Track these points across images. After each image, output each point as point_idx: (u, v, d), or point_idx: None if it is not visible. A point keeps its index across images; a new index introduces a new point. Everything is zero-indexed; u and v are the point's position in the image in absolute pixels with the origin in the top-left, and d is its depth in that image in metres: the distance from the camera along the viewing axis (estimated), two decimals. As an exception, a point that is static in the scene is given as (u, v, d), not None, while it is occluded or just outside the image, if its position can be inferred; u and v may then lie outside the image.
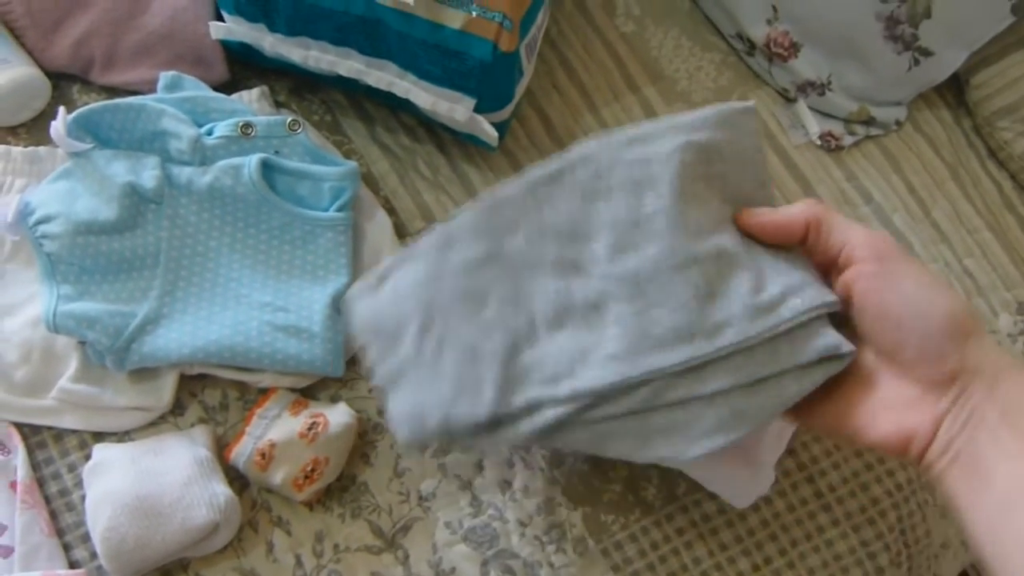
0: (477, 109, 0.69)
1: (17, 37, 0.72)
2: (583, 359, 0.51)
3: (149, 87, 0.71)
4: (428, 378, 0.54)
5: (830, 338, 0.50)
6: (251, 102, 0.72)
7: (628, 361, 0.50)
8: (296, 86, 0.76)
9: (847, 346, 0.50)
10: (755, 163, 0.55)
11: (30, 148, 0.70)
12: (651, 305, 0.51)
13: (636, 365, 0.50)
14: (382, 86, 0.69)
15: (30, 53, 0.72)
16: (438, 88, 0.68)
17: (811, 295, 0.50)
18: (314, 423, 0.63)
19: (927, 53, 0.77)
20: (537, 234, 0.54)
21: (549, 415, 0.51)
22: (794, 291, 0.50)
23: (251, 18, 0.68)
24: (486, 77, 0.66)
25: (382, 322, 0.57)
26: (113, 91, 0.74)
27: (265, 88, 0.73)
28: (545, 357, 0.52)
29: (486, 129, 0.69)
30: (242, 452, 0.64)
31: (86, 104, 0.74)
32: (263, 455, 0.63)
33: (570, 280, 0.53)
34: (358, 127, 0.76)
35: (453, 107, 0.68)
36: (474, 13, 0.64)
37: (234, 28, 0.69)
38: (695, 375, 0.50)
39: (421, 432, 0.55)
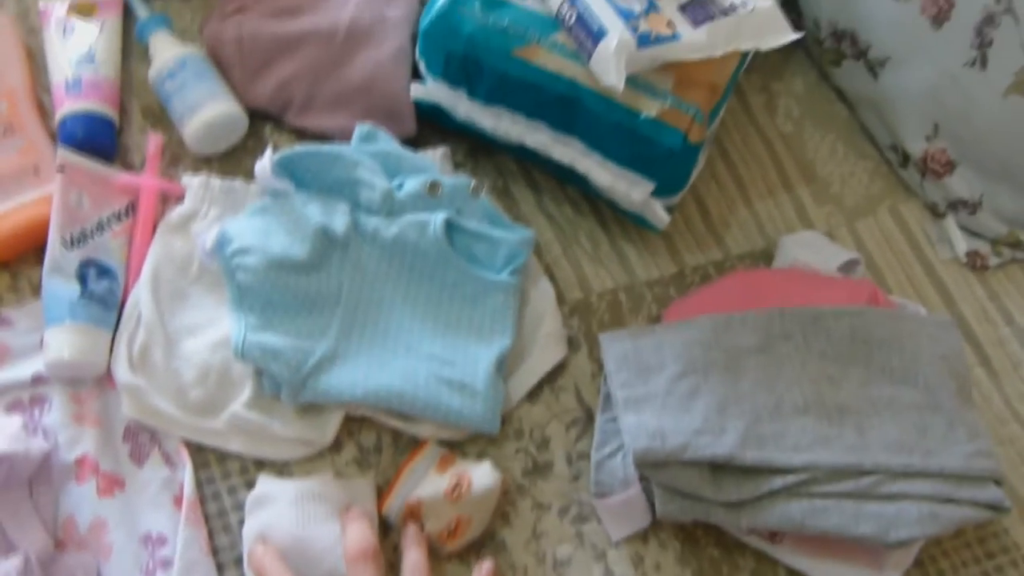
0: (662, 182, 0.71)
1: (224, 73, 0.77)
2: (824, 443, 0.66)
3: (340, 134, 0.75)
4: (675, 412, 0.66)
5: (997, 494, 0.66)
6: (435, 160, 0.76)
7: (863, 453, 0.65)
8: (472, 149, 0.80)
9: (1007, 503, 0.66)
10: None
11: (227, 180, 0.73)
12: (886, 422, 0.67)
13: (869, 457, 0.65)
14: (565, 160, 0.72)
15: (234, 89, 0.77)
16: (619, 169, 0.71)
17: (995, 463, 0.67)
18: (459, 483, 0.65)
19: (1084, 186, 0.79)
20: (805, 348, 0.70)
21: (788, 480, 0.64)
22: (989, 455, 0.67)
23: (454, 83, 0.71)
24: (670, 165, 0.69)
25: (641, 358, 0.69)
26: (303, 134, 0.78)
27: (448, 149, 0.77)
28: (787, 432, 0.66)
29: (659, 213, 0.72)
30: (392, 506, 0.66)
31: (278, 143, 0.78)
32: (412, 511, 0.65)
33: (823, 387, 0.68)
34: (527, 195, 0.79)
35: (631, 188, 0.71)
36: (669, 103, 0.67)
37: (433, 90, 0.73)
38: (908, 479, 0.65)
39: (660, 448, 0.64)
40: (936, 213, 0.86)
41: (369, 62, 0.75)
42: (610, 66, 0.63)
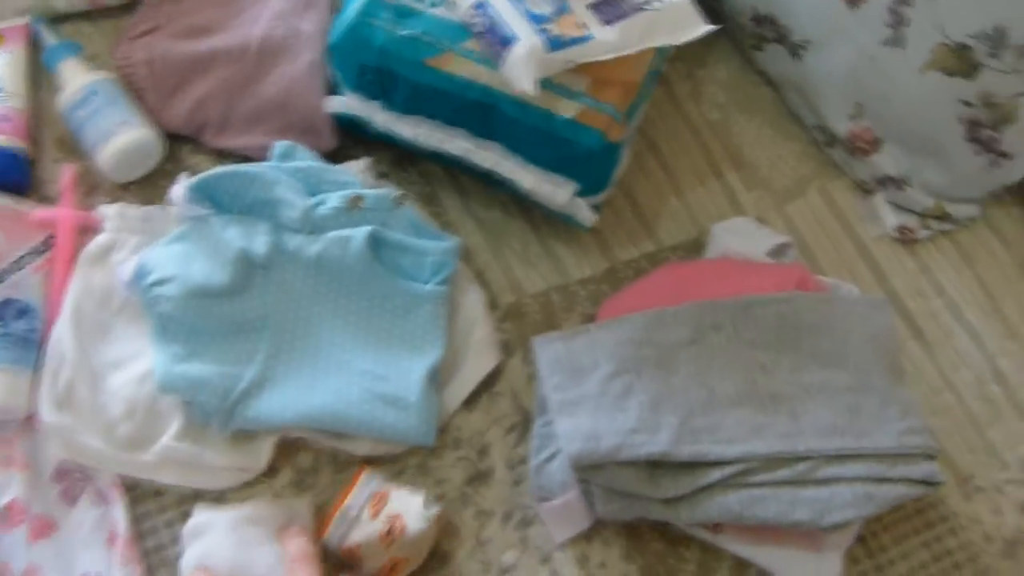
0: (585, 182, 0.71)
1: (138, 97, 0.75)
2: (758, 432, 0.66)
3: (258, 152, 0.74)
4: (609, 412, 0.66)
5: (930, 469, 0.67)
6: (357, 173, 0.75)
7: (797, 439, 0.66)
8: (397, 157, 0.79)
9: (941, 477, 0.67)
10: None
11: (144, 208, 0.72)
12: (819, 406, 0.68)
13: (803, 443, 0.66)
14: (487, 165, 0.72)
15: (148, 113, 0.75)
16: (541, 171, 0.70)
17: (930, 439, 0.68)
18: (391, 528, 0.65)
19: (1006, 155, 0.80)
20: (736, 338, 0.69)
21: (725, 472, 0.65)
22: (921, 431, 0.68)
23: (369, 95, 0.70)
24: (591, 165, 0.69)
25: (573, 360, 0.68)
26: (222, 154, 0.77)
27: (370, 160, 0.76)
28: (721, 424, 0.66)
29: (585, 213, 0.72)
30: (330, 542, 0.65)
31: (196, 164, 0.77)
32: (349, 554, 0.65)
33: (755, 375, 0.69)
34: (454, 200, 0.79)
35: (555, 190, 0.71)
36: (587, 104, 0.67)
37: (349, 103, 0.72)
38: (841, 462, 0.66)
39: (594, 450, 0.64)
40: (865, 190, 0.86)
41: (283, 78, 0.74)
42: (521, 72, 0.63)
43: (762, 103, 0.88)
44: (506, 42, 0.63)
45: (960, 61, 0.75)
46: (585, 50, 0.64)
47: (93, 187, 0.75)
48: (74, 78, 0.75)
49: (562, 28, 0.64)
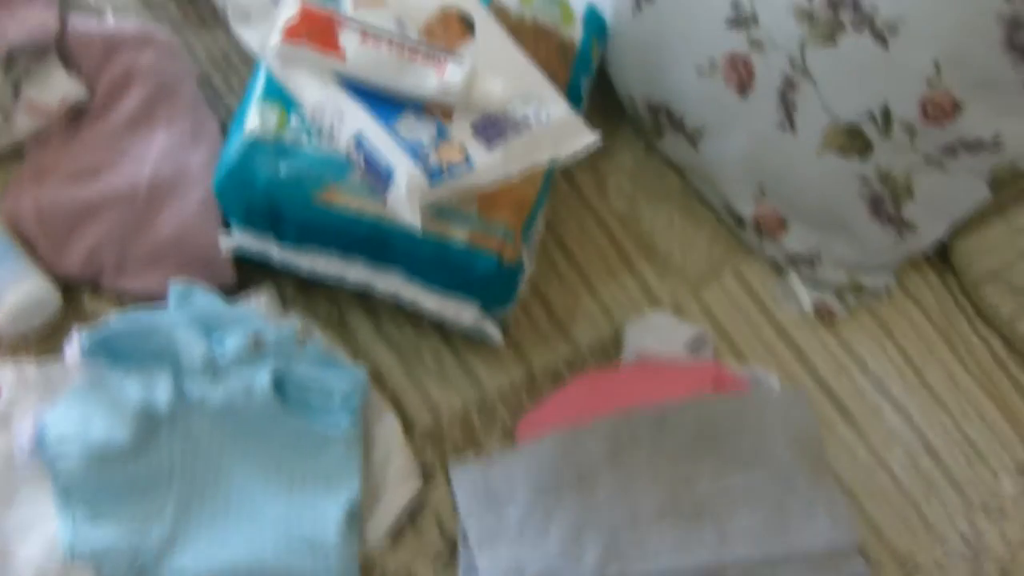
0: (486, 303, 0.70)
1: (30, 247, 0.74)
2: (684, 546, 0.66)
3: (159, 293, 0.72)
4: (531, 540, 0.65)
5: (859, 568, 0.68)
6: (260, 306, 0.73)
7: (723, 549, 0.66)
8: (302, 283, 0.77)
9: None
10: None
11: (42, 366, 0.70)
12: (744, 512, 0.67)
13: (730, 553, 0.66)
14: (389, 291, 0.71)
15: (42, 262, 0.73)
16: (444, 294, 0.69)
17: (854, 535, 0.69)
18: None
19: (912, 227, 0.80)
20: (654, 450, 0.69)
21: None
22: (848, 528, 0.68)
23: (259, 231, 0.69)
24: (490, 286, 0.68)
25: (491, 490, 0.67)
26: (123, 297, 0.75)
27: (273, 290, 0.75)
28: (646, 541, 0.66)
29: (491, 332, 0.71)
30: None
31: (96, 310, 0.75)
32: None
33: (677, 487, 0.68)
34: (364, 322, 0.78)
35: (459, 312, 0.70)
36: (478, 228, 0.66)
37: (242, 240, 0.70)
38: (772, 568, 0.66)
39: None
40: (779, 269, 0.86)
41: (176, 216, 0.73)
42: (404, 208, 0.62)
43: (669, 189, 0.88)
44: (386, 178, 0.62)
45: (852, 140, 0.76)
46: (468, 178, 0.64)
47: (-10, 344, 0.73)
48: (-38, 235, 0.73)
49: (442, 155, 0.63)
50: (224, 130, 0.76)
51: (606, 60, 0.84)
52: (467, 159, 0.64)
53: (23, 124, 0.75)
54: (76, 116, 0.77)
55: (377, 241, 0.67)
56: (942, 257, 0.88)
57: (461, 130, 0.65)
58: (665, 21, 0.79)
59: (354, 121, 0.64)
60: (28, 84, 0.75)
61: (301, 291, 0.78)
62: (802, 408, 0.73)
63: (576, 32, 0.76)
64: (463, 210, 0.66)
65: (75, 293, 0.75)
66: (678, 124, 0.83)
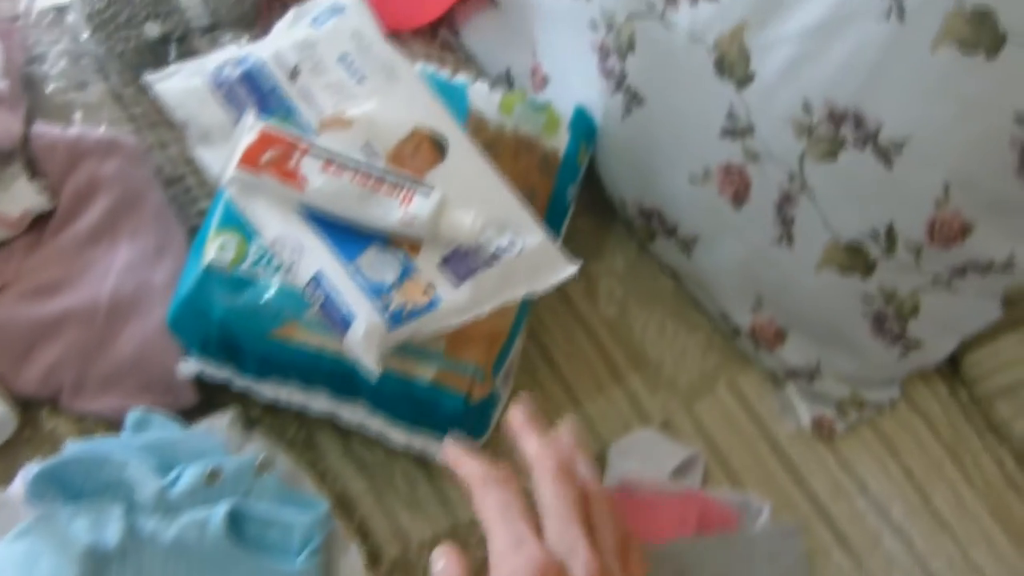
0: (454, 441, 0.67)
1: (-15, 367, 0.71)
2: None
3: (117, 415, 0.69)
4: None
5: None
6: (221, 430, 0.70)
7: None
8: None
9: None
10: None
11: (-5, 494, 0.68)
12: None
13: None
14: (355, 422, 0.67)
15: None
16: (411, 428, 0.66)
17: None
18: None
19: (918, 344, 0.75)
20: None
21: None
22: None
23: (218, 362, 0.66)
24: (459, 424, 0.64)
25: None
26: (83, 415, 0.72)
27: (235, 413, 0.71)
28: None
29: (462, 466, 0.67)
30: None
31: (54, 428, 0.73)
32: None
33: None
34: (333, 442, 0.74)
35: (426, 446, 0.66)
36: (445, 367, 0.62)
37: (203, 367, 0.67)
38: None
39: None
40: (776, 380, 0.81)
41: (136, 337, 0.70)
42: (361, 354, 0.58)
43: (662, 291, 0.84)
44: (344, 323, 0.59)
45: (853, 259, 0.71)
46: (433, 319, 0.60)
47: (-57, 467, 0.70)
48: (-83, 352, 0.70)
49: (406, 296, 0.60)
50: (192, 237, 0.73)
51: (596, 160, 0.80)
52: (433, 300, 0.60)
53: (-18, 235, 0.73)
54: (38, 223, 0.74)
55: (340, 376, 0.63)
56: (952, 365, 0.83)
57: (428, 265, 0.61)
58: (656, 125, 0.74)
59: (313, 258, 0.60)
60: (-11, 192, 0.72)
61: (268, 410, 0.74)
62: (793, 548, 0.68)
63: (561, 141, 0.72)
64: (430, 348, 0.62)
65: (34, 411, 0.73)
66: (671, 230, 0.79)
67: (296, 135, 0.63)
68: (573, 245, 0.81)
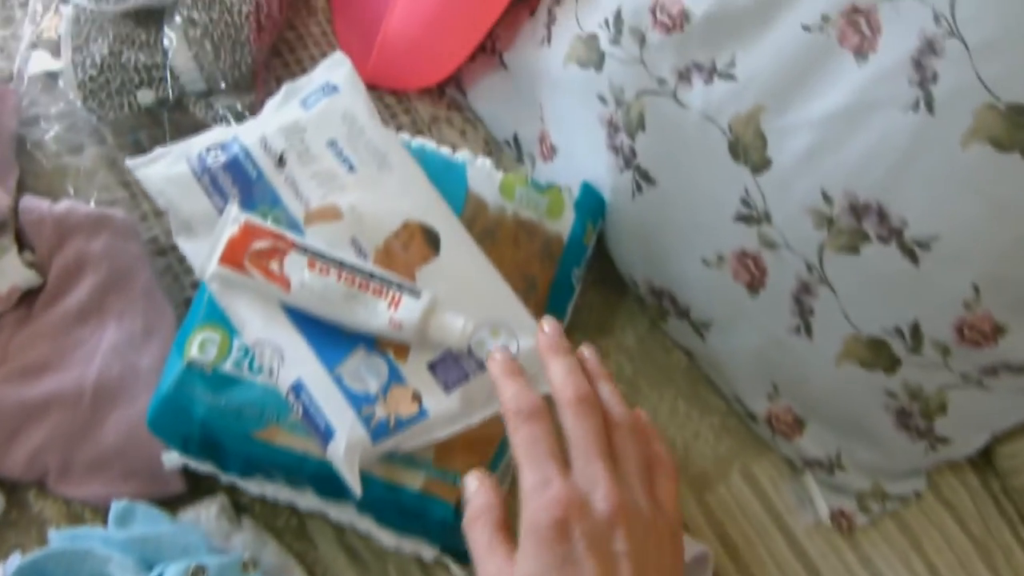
0: (446, 545, 0.63)
1: (-30, 451, 0.69)
2: None
3: (104, 502, 0.67)
4: None
5: None
6: (208, 520, 0.68)
7: None
8: (260, 487, 0.72)
9: None
10: None
11: (-25, 587, 0.66)
12: None
13: None
14: (343, 521, 0.64)
15: (-17, 466, 0.69)
16: (400, 532, 0.63)
17: None
18: None
19: (945, 441, 0.71)
20: None
21: None
22: None
23: (201, 460, 0.64)
24: (449, 533, 0.61)
25: None
26: (69, 500, 0.70)
27: (224, 501, 0.69)
28: None
29: (455, 572, 0.64)
30: None
31: (42, 510, 0.71)
32: None
33: None
34: (325, 531, 0.71)
35: (417, 549, 0.63)
36: (434, 476, 0.59)
37: (187, 461, 0.65)
38: None
39: None
40: (793, 466, 0.77)
41: (121, 423, 0.67)
42: (343, 468, 0.55)
43: (674, 369, 0.79)
44: (326, 435, 0.56)
45: (876, 354, 0.66)
46: (420, 431, 0.57)
47: (-73, 552, 0.69)
48: (-97, 434, 0.69)
49: (391, 407, 0.56)
50: (182, 314, 0.71)
51: (605, 235, 0.76)
52: (420, 409, 0.57)
53: (-31, 312, 0.71)
54: (28, 297, 0.72)
55: (325, 478, 0.60)
56: (985, 455, 0.78)
57: (416, 371, 0.58)
58: (668, 206, 0.70)
59: (294, 365, 0.57)
60: (-23, 269, 0.71)
61: (259, 498, 0.72)
62: None
63: (566, 224, 0.68)
64: (417, 456, 0.59)
65: (22, 493, 0.71)
66: (683, 312, 0.75)
67: (280, 231, 0.60)
68: (582, 320, 0.78)
